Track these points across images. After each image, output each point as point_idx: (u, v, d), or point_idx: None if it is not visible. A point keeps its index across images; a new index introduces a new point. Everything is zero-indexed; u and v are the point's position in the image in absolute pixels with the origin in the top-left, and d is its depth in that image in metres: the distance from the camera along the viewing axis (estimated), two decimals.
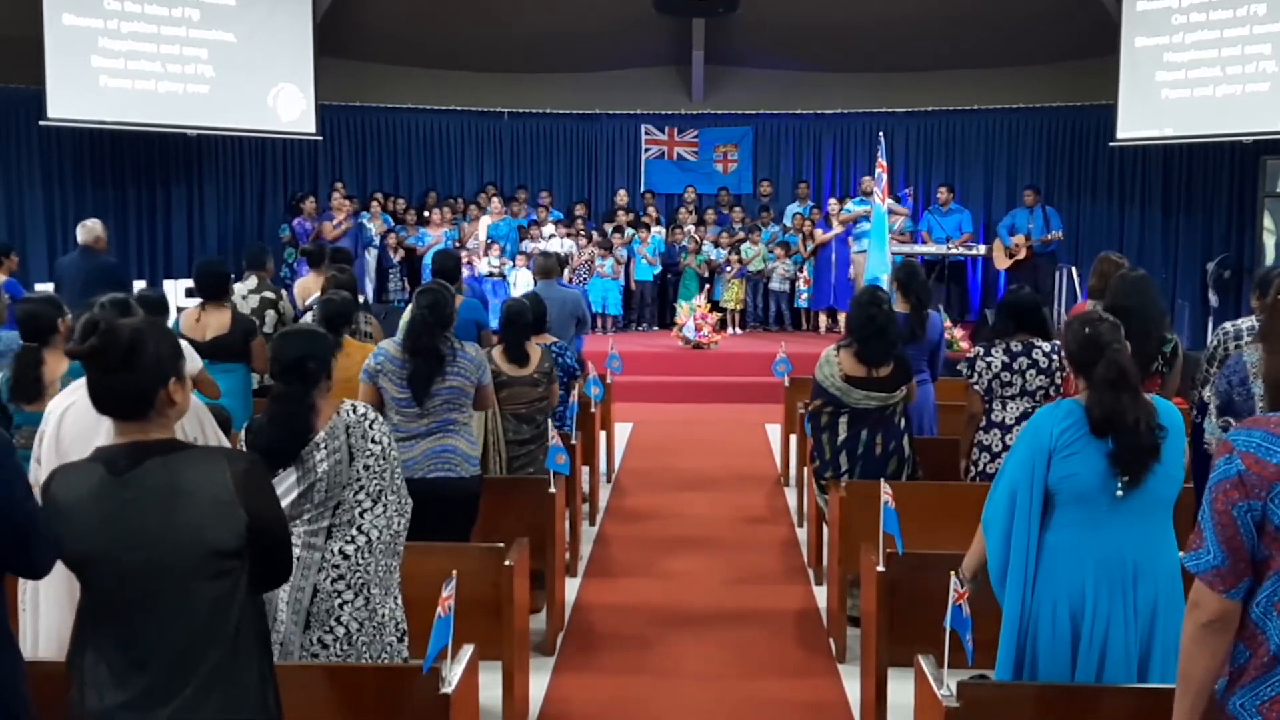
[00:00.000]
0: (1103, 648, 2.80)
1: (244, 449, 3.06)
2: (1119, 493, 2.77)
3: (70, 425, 3.23)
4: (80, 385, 3.32)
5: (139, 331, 2.04)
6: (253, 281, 6.40)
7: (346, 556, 3.02)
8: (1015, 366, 4.52)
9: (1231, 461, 1.92)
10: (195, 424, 3.35)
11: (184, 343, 4.83)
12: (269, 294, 6.36)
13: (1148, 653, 2.80)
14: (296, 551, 2.98)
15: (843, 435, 4.70)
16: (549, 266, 6.88)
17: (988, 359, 4.56)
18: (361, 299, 6.91)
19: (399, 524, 3.14)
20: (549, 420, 5.11)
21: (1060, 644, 2.82)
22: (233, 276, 6.08)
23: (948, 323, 9.84)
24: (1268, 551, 1.91)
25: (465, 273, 9.58)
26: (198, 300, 5.61)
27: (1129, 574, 2.79)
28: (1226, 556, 1.92)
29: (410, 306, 4.34)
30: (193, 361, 4.82)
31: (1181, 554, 2.06)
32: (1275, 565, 1.90)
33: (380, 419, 3.12)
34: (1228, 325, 4.74)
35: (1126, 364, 2.79)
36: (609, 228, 12.28)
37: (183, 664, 2.01)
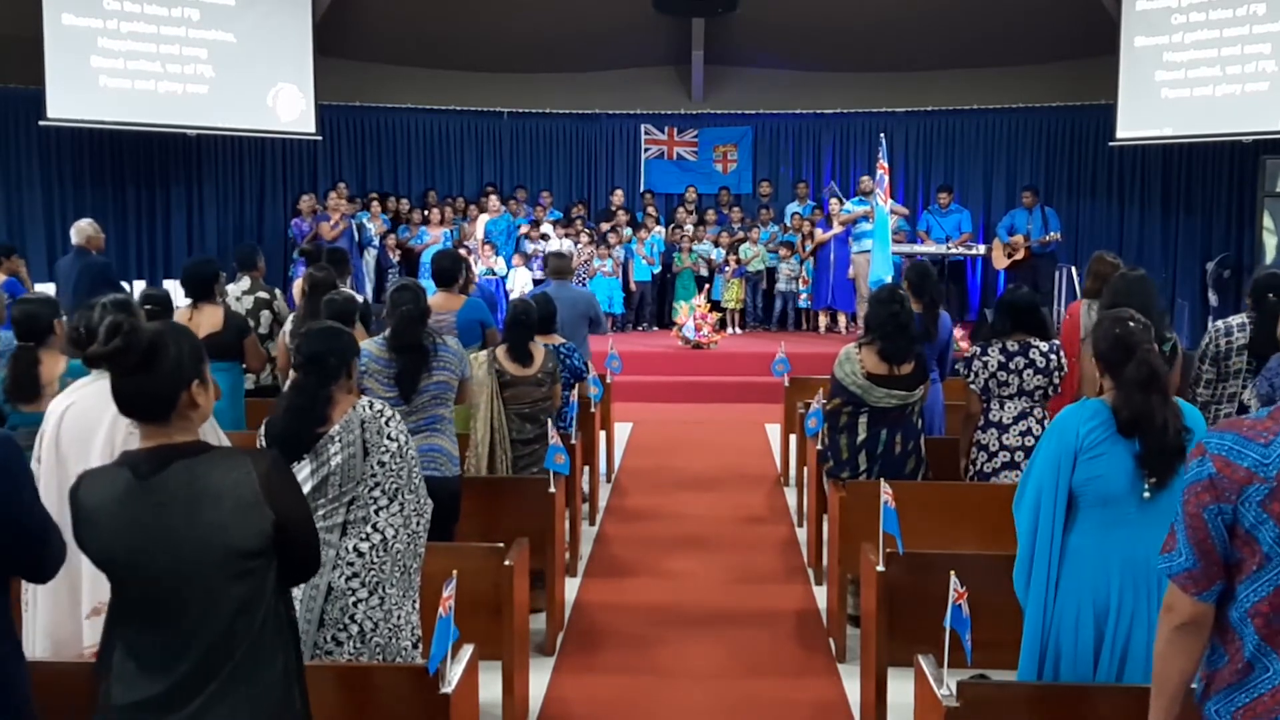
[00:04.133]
0: (1125, 650, 2.79)
1: (261, 440, 3.08)
2: (1146, 494, 2.76)
3: (70, 425, 3.23)
4: (80, 385, 3.32)
5: (160, 334, 2.05)
6: (246, 282, 6.39)
7: (361, 554, 3.02)
8: (1012, 366, 4.53)
9: (1204, 464, 1.92)
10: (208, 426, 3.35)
11: None
12: (263, 294, 6.35)
13: None
14: None
15: (862, 435, 4.68)
16: (562, 267, 6.91)
17: (984, 358, 4.57)
18: (360, 299, 6.89)
19: (416, 524, 3.13)
20: (551, 420, 5.11)
21: (1083, 646, 2.81)
22: (224, 276, 6.08)
23: None
24: (1240, 554, 1.91)
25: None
26: (189, 301, 5.61)
27: (1154, 576, 2.78)
28: (1198, 559, 1.93)
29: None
30: None
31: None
32: (1249, 569, 1.90)
33: (398, 417, 3.12)
34: (1218, 323, 4.76)
35: (1157, 365, 2.78)
36: (605, 227, 12.29)
37: (208, 662, 2.02)
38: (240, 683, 2.05)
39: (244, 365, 5.57)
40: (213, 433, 3.52)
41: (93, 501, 2.03)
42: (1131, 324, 2.86)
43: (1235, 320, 4.70)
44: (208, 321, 5.41)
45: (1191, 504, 1.93)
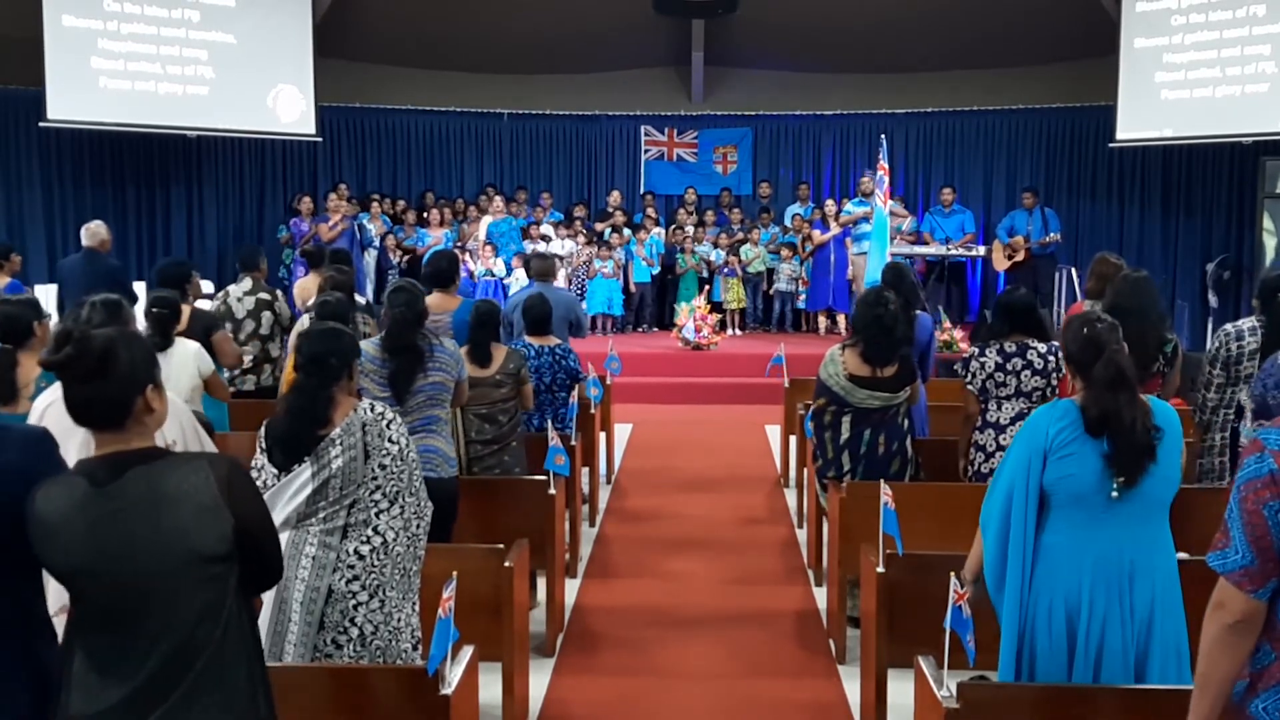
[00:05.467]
0: (1099, 649, 2.80)
1: (262, 441, 3.08)
2: (1114, 494, 2.77)
3: (50, 424, 3.24)
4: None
5: (112, 341, 2.03)
6: (247, 283, 6.39)
7: (362, 557, 3.02)
8: (1009, 367, 4.53)
9: (1263, 460, 1.91)
10: (176, 427, 3.34)
11: (198, 346, 4.82)
12: (265, 295, 6.35)
13: (1145, 654, 2.80)
14: (312, 551, 2.99)
15: (845, 434, 4.70)
16: (546, 269, 6.87)
17: (982, 359, 4.57)
18: (363, 300, 6.90)
19: (417, 527, 3.13)
20: (518, 421, 5.08)
21: (1057, 645, 2.82)
22: (197, 275, 6.08)
23: (947, 324, 9.83)
24: None
25: (462, 274, 9.55)
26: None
27: (1126, 575, 2.79)
28: (1256, 556, 1.90)
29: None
30: (206, 364, 4.84)
31: (1196, 555, 2.04)
32: None
33: (399, 420, 3.12)
34: (1228, 327, 4.74)
35: (1125, 364, 2.79)
36: (604, 228, 12.29)
37: (170, 670, 2.01)
38: (204, 691, 2.03)
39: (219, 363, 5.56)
40: (194, 436, 3.52)
41: (51, 512, 2.00)
42: (1099, 324, 2.88)
43: (1245, 324, 4.67)
44: None
45: (1250, 500, 1.91)
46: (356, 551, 3.02)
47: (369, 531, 3.03)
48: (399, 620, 3.08)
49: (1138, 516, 2.80)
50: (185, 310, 5.47)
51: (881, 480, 4.05)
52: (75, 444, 3.12)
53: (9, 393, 3.81)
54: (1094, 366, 2.80)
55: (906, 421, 4.79)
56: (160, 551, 1.99)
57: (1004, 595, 2.89)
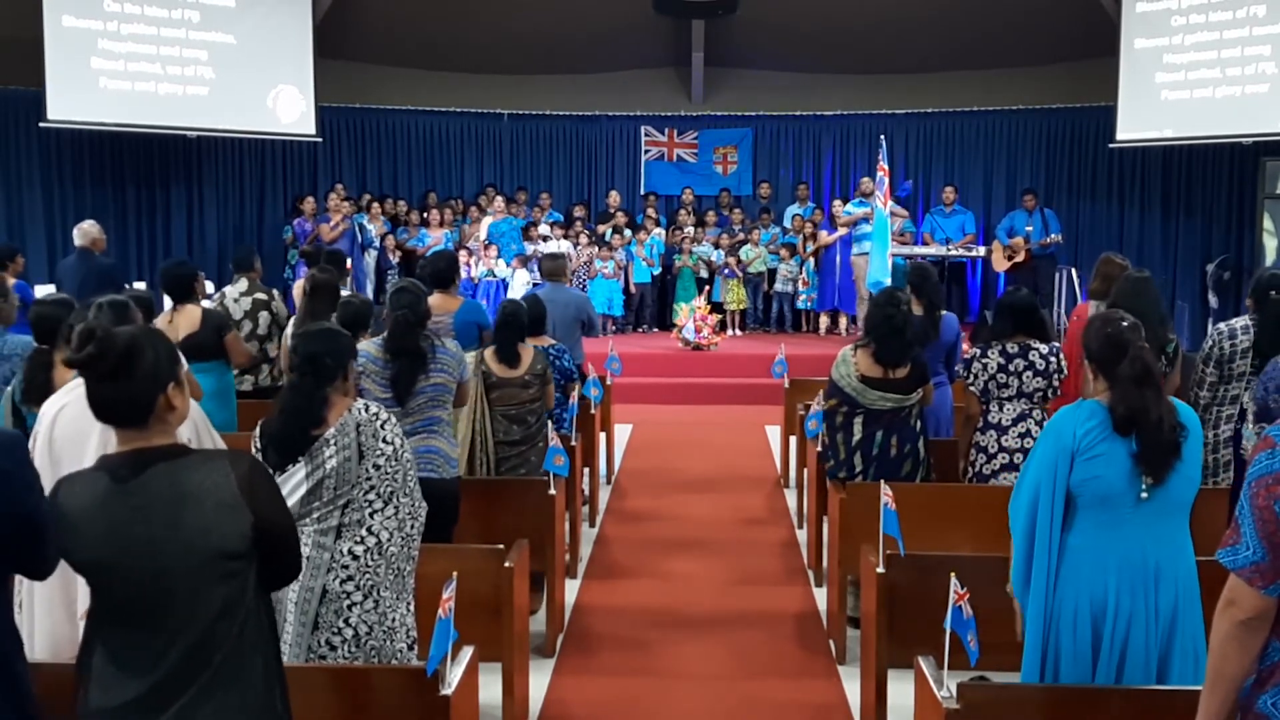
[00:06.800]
0: (1123, 649, 2.80)
1: (257, 440, 3.08)
2: (1143, 494, 2.76)
3: (63, 427, 3.23)
4: (73, 387, 3.32)
5: (135, 339, 2.04)
6: (243, 284, 6.37)
7: (356, 557, 3.02)
8: (1012, 368, 4.52)
9: (1274, 456, 1.91)
10: (189, 425, 3.34)
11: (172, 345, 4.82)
12: (261, 295, 6.34)
13: (1167, 654, 2.80)
14: (306, 551, 2.98)
15: (858, 436, 4.69)
16: (556, 269, 6.88)
17: (984, 360, 4.57)
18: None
19: (411, 527, 3.14)
20: (544, 422, 5.10)
21: (1082, 646, 2.82)
22: (203, 275, 6.09)
23: None
24: None
25: (462, 274, 9.56)
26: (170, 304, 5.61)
27: (1151, 575, 2.79)
28: (1267, 552, 1.90)
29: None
30: (180, 363, 4.82)
31: (1213, 551, 2.04)
32: None
33: (393, 420, 3.13)
34: (1221, 325, 4.76)
35: (1150, 362, 2.80)
36: (606, 229, 12.29)
37: (188, 664, 2.02)
38: (222, 685, 2.04)
39: (228, 363, 5.55)
40: (208, 434, 3.53)
41: (73, 506, 2.02)
42: (1124, 323, 2.88)
43: (1239, 323, 4.69)
44: (186, 322, 5.40)
45: (1261, 496, 1.91)
46: (350, 551, 3.02)
47: (363, 532, 3.03)
48: (393, 620, 3.08)
49: (1161, 517, 2.80)
50: (197, 310, 5.48)
51: (882, 480, 4.04)
52: (91, 449, 3.12)
53: (45, 392, 3.81)
54: (1119, 365, 2.80)
55: (919, 423, 4.78)
56: (180, 548, 2.01)
57: (1028, 597, 2.89)
